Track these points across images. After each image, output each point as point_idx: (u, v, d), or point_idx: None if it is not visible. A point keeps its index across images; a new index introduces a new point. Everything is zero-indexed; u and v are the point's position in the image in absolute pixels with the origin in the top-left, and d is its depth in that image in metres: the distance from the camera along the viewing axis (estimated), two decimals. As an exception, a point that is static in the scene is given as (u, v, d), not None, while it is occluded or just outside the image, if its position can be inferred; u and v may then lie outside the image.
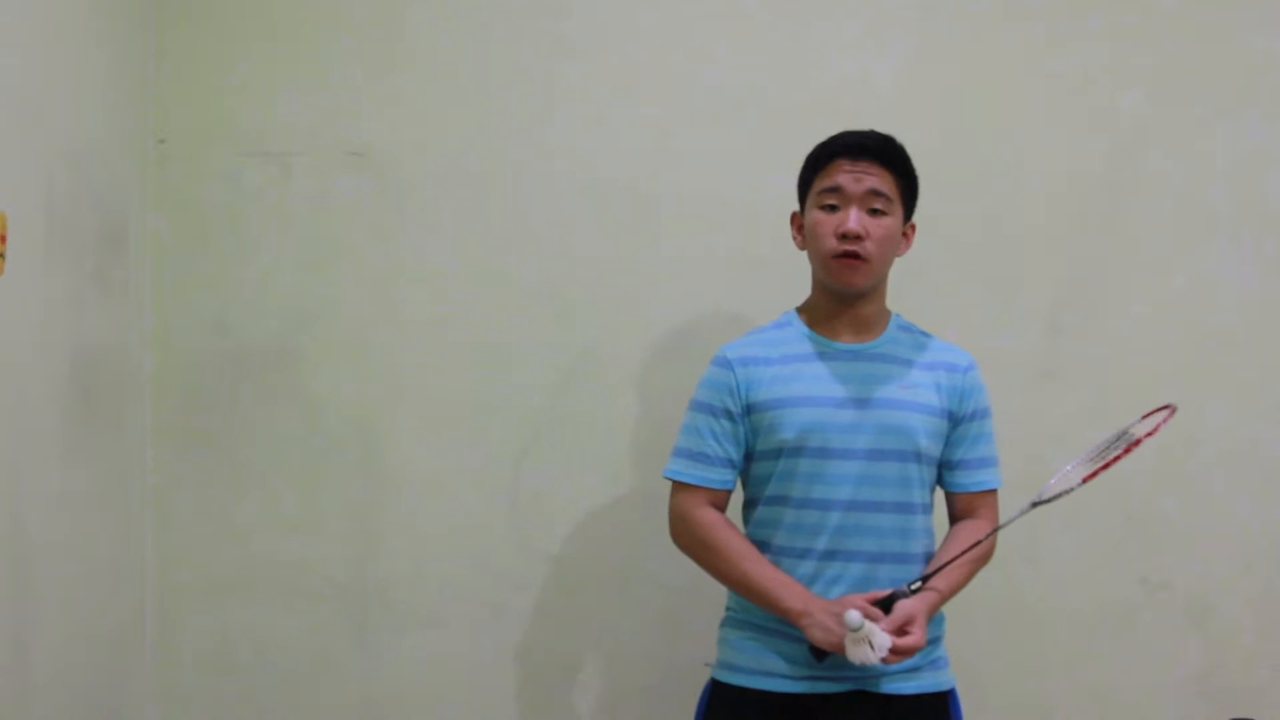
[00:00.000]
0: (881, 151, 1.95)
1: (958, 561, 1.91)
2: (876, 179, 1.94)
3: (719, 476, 1.99)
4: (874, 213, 1.93)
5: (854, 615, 1.78)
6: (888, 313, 2.03)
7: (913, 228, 2.02)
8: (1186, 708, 2.42)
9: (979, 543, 1.92)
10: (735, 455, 2.00)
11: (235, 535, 2.46)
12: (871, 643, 1.77)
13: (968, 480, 2.01)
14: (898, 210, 1.96)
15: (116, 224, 2.33)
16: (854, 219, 1.92)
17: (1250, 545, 2.43)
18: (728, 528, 1.98)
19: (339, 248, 2.46)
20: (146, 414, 2.46)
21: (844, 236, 1.92)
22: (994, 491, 2.03)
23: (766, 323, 2.07)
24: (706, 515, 1.98)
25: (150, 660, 2.47)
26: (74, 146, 2.15)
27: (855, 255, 1.93)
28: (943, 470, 2.02)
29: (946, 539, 2.01)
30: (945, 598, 1.92)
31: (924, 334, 2.04)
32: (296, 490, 2.46)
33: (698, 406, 2.02)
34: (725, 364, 2.01)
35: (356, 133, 2.46)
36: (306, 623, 2.46)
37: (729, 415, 1.99)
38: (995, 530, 1.95)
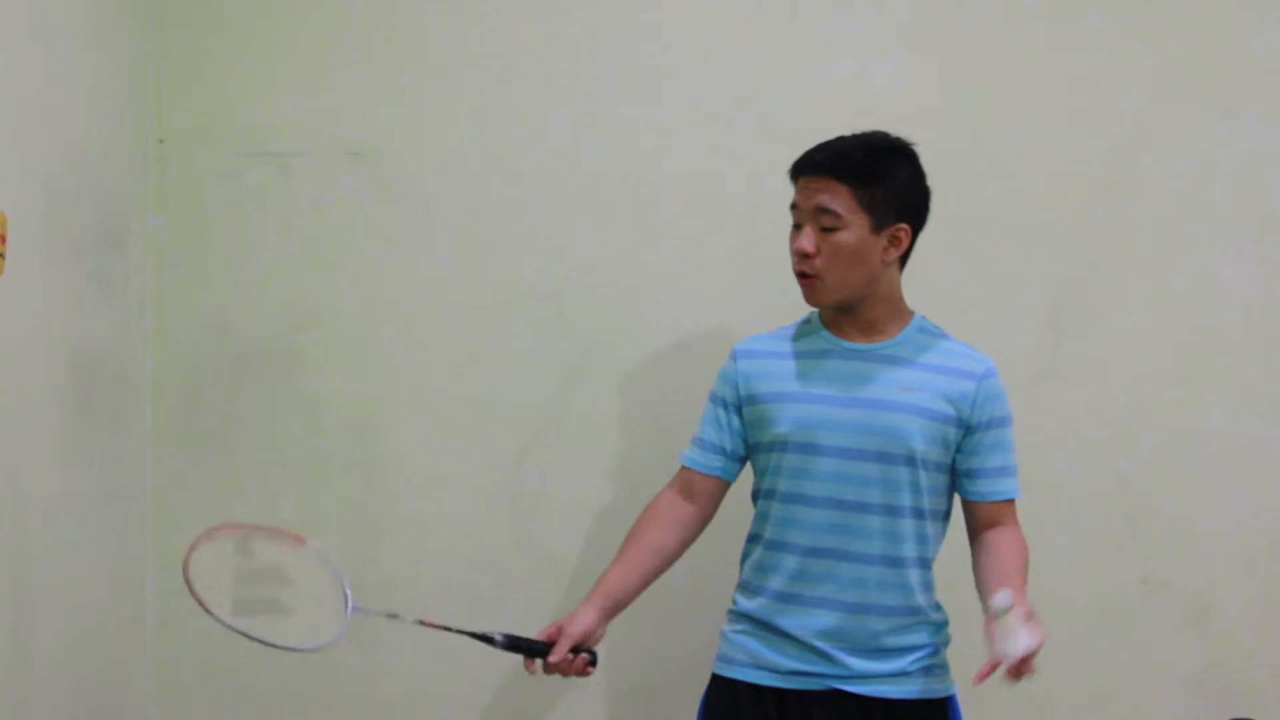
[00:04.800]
0: (831, 165, 1.90)
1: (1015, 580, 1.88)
2: (826, 195, 1.89)
3: (706, 461, 2.04)
4: (825, 230, 1.91)
5: (1005, 596, 1.69)
6: (907, 314, 2.00)
7: (905, 230, 1.94)
8: (1186, 708, 2.42)
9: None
10: (729, 444, 2.02)
11: (235, 535, 2.46)
12: (1011, 637, 1.68)
13: (986, 489, 1.98)
14: (858, 221, 1.89)
15: (116, 224, 2.33)
16: (805, 238, 1.92)
17: (1250, 545, 2.43)
18: (645, 522, 2.04)
19: (339, 248, 2.46)
20: (146, 414, 2.46)
21: (797, 256, 1.94)
22: (1013, 501, 2.00)
23: (783, 322, 2.08)
24: (655, 500, 2.07)
25: (150, 660, 2.47)
26: (74, 146, 2.15)
27: (806, 274, 1.94)
28: (962, 479, 1.99)
29: (987, 557, 1.95)
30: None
31: (944, 337, 2.01)
32: (296, 490, 2.46)
33: (709, 394, 2.08)
34: (732, 355, 2.06)
35: (356, 133, 2.46)
36: (306, 623, 2.46)
37: (725, 404, 2.03)
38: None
